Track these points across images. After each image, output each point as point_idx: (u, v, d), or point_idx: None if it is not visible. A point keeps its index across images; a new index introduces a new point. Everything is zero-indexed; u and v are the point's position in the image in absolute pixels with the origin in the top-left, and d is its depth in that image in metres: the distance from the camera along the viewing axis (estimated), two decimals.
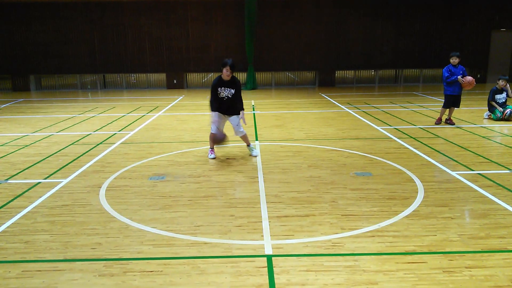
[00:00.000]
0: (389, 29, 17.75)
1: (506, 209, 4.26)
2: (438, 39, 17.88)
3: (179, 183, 5.27)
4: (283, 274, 3.11)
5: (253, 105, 12.35)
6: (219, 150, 6.81)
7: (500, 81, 9.42)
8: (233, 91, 6.12)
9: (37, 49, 17.36)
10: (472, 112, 10.44)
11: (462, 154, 6.47)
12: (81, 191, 5.00)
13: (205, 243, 3.63)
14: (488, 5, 17.53)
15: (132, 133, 8.50)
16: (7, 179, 5.52)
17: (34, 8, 16.94)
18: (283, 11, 17.38)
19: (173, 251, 3.49)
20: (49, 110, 12.20)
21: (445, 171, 5.61)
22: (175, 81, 18.04)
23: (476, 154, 6.45)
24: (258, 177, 5.46)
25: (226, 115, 6.29)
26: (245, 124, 6.40)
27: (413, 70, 18.76)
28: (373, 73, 18.76)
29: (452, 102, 8.72)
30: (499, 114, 9.18)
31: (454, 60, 8.51)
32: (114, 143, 7.53)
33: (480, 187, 4.91)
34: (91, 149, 7.15)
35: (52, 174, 5.71)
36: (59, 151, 7.06)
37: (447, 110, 8.93)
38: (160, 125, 9.34)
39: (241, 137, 6.44)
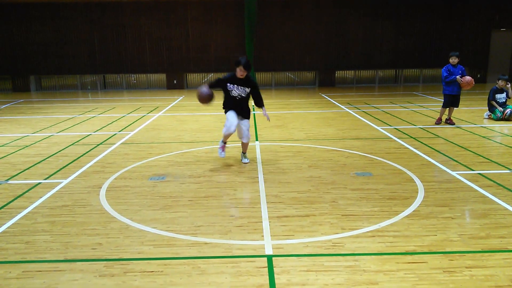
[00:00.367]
0: (389, 29, 17.75)
1: (506, 209, 4.26)
2: (438, 39, 17.88)
3: (179, 183, 5.27)
4: (284, 274, 3.11)
5: (253, 106, 12.33)
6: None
7: (500, 81, 9.42)
8: (247, 90, 5.74)
9: (37, 49, 17.37)
10: (472, 112, 10.44)
11: (462, 154, 6.47)
12: (82, 192, 5.00)
13: (206, 243, 3.63)
14: (488, 5, 17.53)
15: (132, 133, 8.50)
16: (7, 180, 5.52)
17: (34, 8, 16.95)
18: (283, 11, 17.39)
19: (173, 251, 3.49)
20: (49, 110, 12.21)
21: (445, 171, 5.61)
22: (175, 82, 18.05)
23: (476, 154, 6.45)
24: (258, 177, 5.46)
25: (238, 115, 5.84)
26: (269, 121, 6.09)
27: (413, 70, 18.76)
28: (373, 72, 18.75)
29: (451, 101, 8.73)
30: (499, 114, 9.18)
31: (454, 60, 8.51)
32: (114, 144, 7.54)
33: (480, 187, 4.91)
34: (91, 149, 7.16)
35: (52, 175, 5.71)
36: (59, 151, 7.06)
37: (447, 110, 8.94)
38: (160, 126, 9.34)
39: (243, 142, 6.08)
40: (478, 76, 18.00)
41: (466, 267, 3.16)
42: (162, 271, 3.18)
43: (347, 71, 18.81)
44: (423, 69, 18.64)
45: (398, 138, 7.63)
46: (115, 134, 8.47)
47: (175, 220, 4.13)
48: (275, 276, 3.08)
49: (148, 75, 18.44)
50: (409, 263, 3.24)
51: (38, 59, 17.47)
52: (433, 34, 17.86)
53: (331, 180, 5.28)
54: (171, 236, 3.78)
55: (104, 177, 5.55)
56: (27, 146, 7.47)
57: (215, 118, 10.35)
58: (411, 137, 7.66)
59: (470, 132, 8.13)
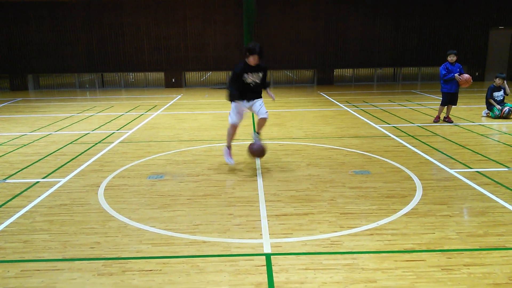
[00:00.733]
0: (388, 27, 17.75)
1: (504, 207, 4.27)
2: (436, 37, 17.89)
3: (177, 182, 5.27)
4: (282, 272, 3.11)
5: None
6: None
7: (497, 79, 9.44)
8: (261, 75, 5.49)
9: (35, 48, 17.33)
10: (470, 110, 10.46)
11: (460, 152, 6.48)
12: (80, 190, 4.99)
13: (204, 242, 3.63)
14: (486, 3, 17.55)
15: (130, 132, 8.49)
16: (5, 179, 5.51)
17: (32, 7, 16.90)
18: (281, 9, 17.37)
19: (172, 250, 3.49)
20: (47, 109, 12.19)
21: (444, 169, 5.61)
22: (173, 80, 18.03)
23: (475, 152, 6.46)
24: (257, 175, 5.46)
25: (248, 102, 5.56)
26: (274, 100, 5.86)
27: (411, 68, 18.78)
28: (372, 70, 18.76)
29: (449, 99, 8.75)
30: (497, 112, 9.19)
31: (452, 58, 8.53)
32: (113, 142, 7.53)
33: (478, 185, 4.92)
34: (90, 148, 7.15)
35: (50, 174, 5.70)
36: (58, 150, 7.05)
37: (445, 108, 8.95)
38: (158, 124, 9.33)
39: (260, 119, 5.64)
40: (476, 74, 18.03)
41: (464, 265, 3.16)
42: (160, 270, 3.18)
43: (346, 69, 18.82)
44: (421, 67, 18.66)
45: (396, 136, 7.64)
46: (113, 132, 8.46)
47: (174, 218, 4.13)
48: (274, 274, 3.09)
49: (147, 73, 18.42)
50: (407, 261, 3.25)
51: (36, 58, 17.43)
52: (431, 32, 17.87)
53: (330, 178, 5.28)
54: (169, 234, 3.78)
55: (103, 176, 5.54)
56: (25, 145, 7.46)
57: (214, 116, 10.35)
58: (410, 135, 7.67)
59: (468, 130, 8.14)
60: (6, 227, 4.00)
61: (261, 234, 3.75)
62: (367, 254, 3.35)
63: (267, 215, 4.16)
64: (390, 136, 7.64)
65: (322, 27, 17.61)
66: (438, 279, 2.99)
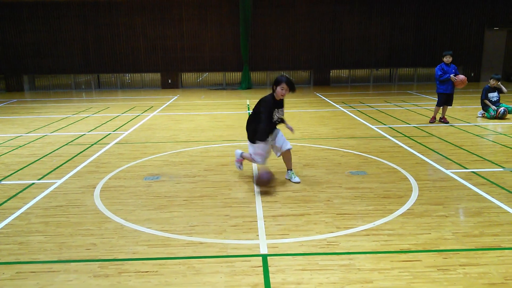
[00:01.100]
0: (384, 28, 17.80)
1: (500, 207, 4.29)
2: (432, 38, 17.96)
3: (174, 183, 5.26)
4: (279, 273, 3.11)
5: (248, 104, 12.35)
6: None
7: (492, 80, 9.49)
8: (283, 111, 5.05)
9: (31, 49, 17.27)
10: (466, 111, 10.50)
11: (456, 152, 6.50)
12: (76, 192, 4.98)
13: (201, 243, 3.62)
14: (481, 4, 17.63)
15: (126, 133, 8.47)
16: (0, 180, 5.48)
17: (27, 7, 16.83)
18: (277, 10, 17.38)
19: (168, 251, 3.48)
20: (43, 110, 12.14)
21: (439, 169, 5.63)
22: (169, 81, 18.00)
23: (470, 152, 6.49)
24: (253, 176, 5.46)
25: (271, 135, 5.07)
26: (293, 133, 5.42)
27: (407, 69, 18.84)
28: (368, 71, 18.80)
29: (445, 100, 8.78)
30: (492, 113, 9.23)
31: (448, 59, 8.56)
32: (109, 143, 7.51)
33: (474, 185, 4.94)
34: (86, 149, 7.12)
35: (46, 175, 5.68)
36: (53, 151, 7.02)
37: (441, 108, 8.99)
38: (155, 125, 9.31)
39: (286, 151, 5.11)
40: (472, 75, 18.10)
41: (460, 265, 3.18)
42: (157, 271, 3.18)
43: (342, 70, 18.85)
44: (417, 68, 18.72)
45: (392, 137, 7.66)
46: (109, 134, 8.44)
47: (170, 220, 4.12)
48: (270, 275, 3.09)
49: (143, 74, 18.38)
50: (403, 261, 3.25)
51: (32, 59, 17.36)
52: (427, 33, 17.93)
53: (326, 179, 5.28)
54: (166, 236, 3.77)
55: (99, 177, 5.52)
56: (20, 146, 7.42)
57: (210, 117, 10.34)
58: (406, 136, 7.69)
59: (464, 130, 8.17)
60: (1, 228, 3.98)
61: (258, 235, 3.75)
62: (363, 255, 3.36)
63: (263, 216, 4.16)
64: (386, 137, 7.66)
65: (319, 28, 17.64)
66: (434, 279, 3.00)
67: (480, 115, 9.63)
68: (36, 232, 3.88)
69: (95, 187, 5.12)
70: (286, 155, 5.18)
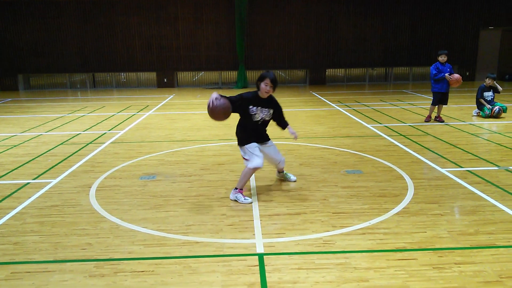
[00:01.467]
0: (380, 27, 17.85)
1: (495, 206, 4.31)
2: (427, 37, 18.02)
3: (170, 182, 5.25)
4: (275, 272, 3.11)
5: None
6: (214, 148, 6.77)
7: (487, 79, 9.53)
8: (271, 111, 4.65)
9: (26, 47, 17.18)
10: (461, 110, 10.54)
11: (451, 151, 6.53)
12: (71, 191, 4.95)
13: (197, 242, 3.62)
14: (476, 3, 17.71)
15: (122, 132, 8.44)
16: None
17: (22, 6, 16.73)
18: (273, 9, 17.39)
19: (164, 251, 3.47)
20: (38, 109, 12.08)
21: (435, 168, 5.65)
22: (165, 80, 17.97)
23: (465, 151, 6.52)
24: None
25: (261, 145, 4.74)
26: (296, 139, 4.90)
27: (402, 68, 18.91)
28: (364, 70, 18.84)
29: (440, 99, 8.82)
30: (487, 112, 9.28)
31: (443, 58, 8.60)
32: (104, 143, 7.48)
33: (469, 184, 4.96)
34: (81, 149, 7.09)
35: (41, 175, 5.65)
36: (48, 151, 6.99)
37: (436, 107, 9.03)
38: (150, 124, 9.29)
39: (280, 167, 5.08)
40: (467, 74, 18.19)
41: (455, 263, 3.19)
42: (153, 271, 3.17)
43: (338, 69, 18.88)
44: (412, 67, 18.78)
45: (388, 135, 7.68)
46: (105, 133, 8.41)
47: (166, 219, 4.11)
48: (267, 274, 3.09)
49: (138, 73, 18.33)
50: (399, 260, 3.26)
51: (27, 58, 17.27)
52: (422, 33, 17.99)
53: (322, 178, 5.29)
54: (162, 235, 3.76)
55: (94, 177, 5.50)
56: (15, 146, 7.38)
57: (206, 116, 10.30)
58: (401, 135, 7.72)
59: (459, 129, 8.21)
60: None
61: (254, 234, 3.75)
62: (359, 253, 3.36)
63: (259, 215, 4.16)
64: (382, 136, 7.68)
65: (314, 27, 17.66)
66: (430, 277, 3.01)
67: (475, 114, 9.68)
68: (31, 232, 3.86)
69: (90, 187, 5.10)
70: (279, 167, 5.13)
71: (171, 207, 4.43)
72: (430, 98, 10.74)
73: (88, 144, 7.44)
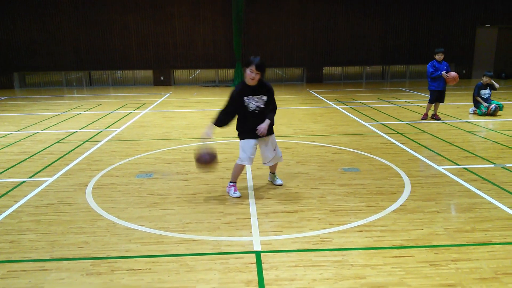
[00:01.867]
0: (376, 25, 17.85)
1: (491, 203, 4.33)
2: (424, 35, 18.04)
3: (166, 180, 5.24)
4: (272, 270, 3.12)
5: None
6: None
7: (484, 77, 9.56)
8: (264, 98, 4.41)
9: (22, 45, 17.07)
10: (457, 108, 10.57)
11: (448, 149, 6.55)
12: (67, 190, 4.94)
13: (194, 240, 3.61)
14: (473, 2, 17.74)
15: (118, 130, 8.42)
16: None
17: (18, 4, 16.63)
18: (270, 7, 17.35)
19: (161, 249, 3.47)
20: (34, 108, 12.02)
21: (431, 165, 5.67)
22: (162, 78, 17.92)
23: (462, 148, 6.54)
24: (246, 173, 5.45)
25: (260, 138, 4.56)
26: (259, 134, 4.46)
27: (399, 66, 18.92)
28: (361, 68, 18.86)
29: (437, 97, 8.84)
30: (484, 109, 9.31)
31: (439, 56, 8.62)
32: (101, 141, 7.46)
33: (465, 181, 4.98)
34: (77, 147, 7.07)
35: (37, 173, 5.63)
36: (44, 149, 6.96)
37: (433, 105, 9.05)
38: (147, 122, 9.26)
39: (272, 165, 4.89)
40: (464, 72, 18.23)
41: (452, 260, 3.20)
42: (150, 269, 3.16)
43: (335, 67, 18.89)
44: (409, 65, 18.81)
45: (385, 133, 7.69)
46: (101, 131, 8.38)
47: (163, 217, 4.10)
48: (264, 272, 3.09)
49: (135, 71, 18.27)
50: (396, 257, 3.27)
51: (22, 56, 17.17)
52: (419, 31, 18.01)
53: (319, 176, 5.30)
54: (158, 233, 3.75)
55: (90, 175, 5.48)
56: (11, 144, 7.35)
57: (203, 114, 10.31)
58: (398, 133, 7.73)
59: (456, 127, 8.23)
60: None
61: (251, 232, 3.74)
62: (356, 251, 3.37)
63: (257, 213, 4.16)
64: (378, 134, 7.69)
65: (312, 25, 17.65)
66: (427, 274, 3.02)
67: (472, 112, 9.71)
68: (28, 231, 3.85)
69: (87, 185, 5.09)
70: (273, 166, 4.96)
71: (168, 205, 4.42)
72: (427, 96, 10.77)
73: (84, 142, 7.41)
